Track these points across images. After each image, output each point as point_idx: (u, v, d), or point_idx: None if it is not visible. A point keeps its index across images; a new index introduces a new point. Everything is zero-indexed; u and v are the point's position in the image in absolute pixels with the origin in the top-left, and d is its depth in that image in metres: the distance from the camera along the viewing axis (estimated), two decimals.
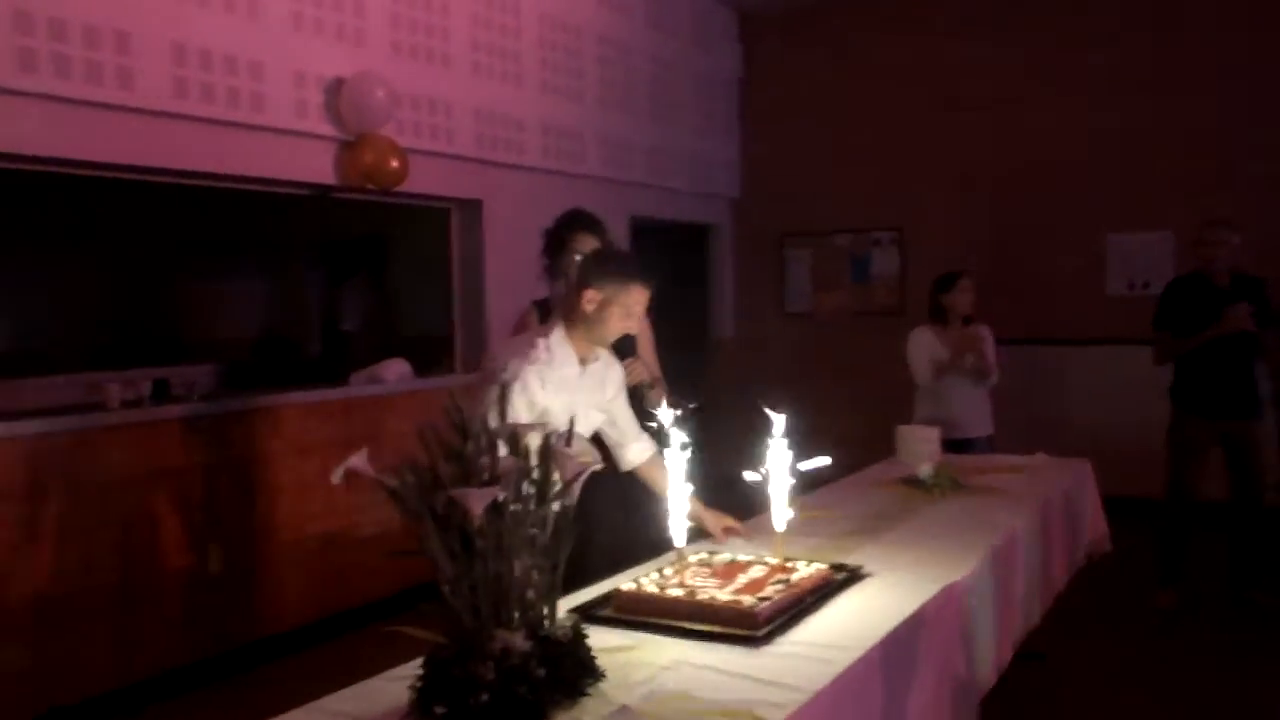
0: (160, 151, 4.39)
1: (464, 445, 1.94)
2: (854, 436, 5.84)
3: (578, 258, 3.33)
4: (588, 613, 2.38)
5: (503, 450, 1.98)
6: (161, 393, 5.03)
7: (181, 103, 4.38)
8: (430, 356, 6.13)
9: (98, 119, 4.13)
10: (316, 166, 5.07)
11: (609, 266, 2.95)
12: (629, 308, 2.92)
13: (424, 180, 5.55)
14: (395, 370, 5.48)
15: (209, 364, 7.42)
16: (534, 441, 2.00)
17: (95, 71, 4.06)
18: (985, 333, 5.24)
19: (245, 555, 4.68)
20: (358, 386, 5.24)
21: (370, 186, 5.14)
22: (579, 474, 2.01)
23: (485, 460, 1.92)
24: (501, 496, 1.87)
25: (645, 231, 7.75)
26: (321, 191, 5.22)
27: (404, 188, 5.34)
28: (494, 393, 2.82)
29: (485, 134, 6.00)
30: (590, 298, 2.90)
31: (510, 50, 6.19)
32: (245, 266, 8.64)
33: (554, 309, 3.38)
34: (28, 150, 3.97)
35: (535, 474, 1.96)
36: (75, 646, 4.06)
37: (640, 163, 7.48)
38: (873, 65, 8.23)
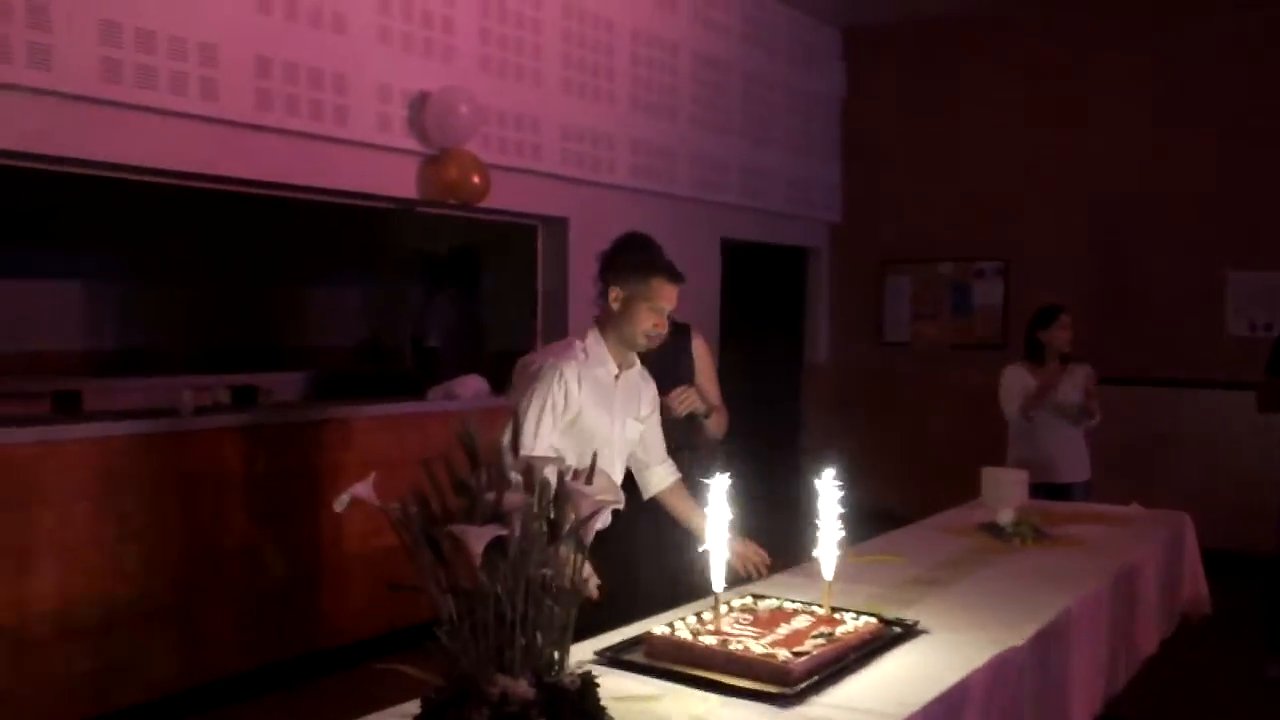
0: (243, 163, 4.44)
1: (470, 477, 1.83)
2: (944, 474, 5.58)
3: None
4: (615, 656, 2.26)
5: (517, 483, 1.87)
6: (247, 399, 5.10)
7: (265, 115, 4.41)
8: (510, 374, 6.08)
9: (181, 129, 4.18)
10: (400, 180, 5.07)
11: (629, 261, 2.94)
12: (655, 303, 2.89)
13: (509, 196, 5.51)
14: (472, 387, 5.45)
15: (302, 371, 7.57)
16: (550, 475, 1.89)
17: (180, 83, 4.11)
18: (1086, 372, 4.95)
19: (309, 566, 4.67)
20: (432, 402, 5.21)
21: (452, 201, 5.11)
22: (595, 512, 1.89)
23: (492, 495, 1.81)
24: (506, 534, 1.76)
25: (738, 254, 7.61)
26: (404, 206, 5.22)
27: (489, 204, 5.31)
28: (527, 397, 2.80)
29: (573, 151, 5.94)
30: (614, 295, 2.89)
31: (603, 67, 6.13)
32: (345, 277, 8.79)
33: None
34: (113, 159, 4.04)
35: (547, 511, 1.85)
36: (140, 648, 4.10)
37: (734, 183, 7.34)
38: (982, 87, 7.93)
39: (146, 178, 4.28)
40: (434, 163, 5.06)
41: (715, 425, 3.40)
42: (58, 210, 6.65)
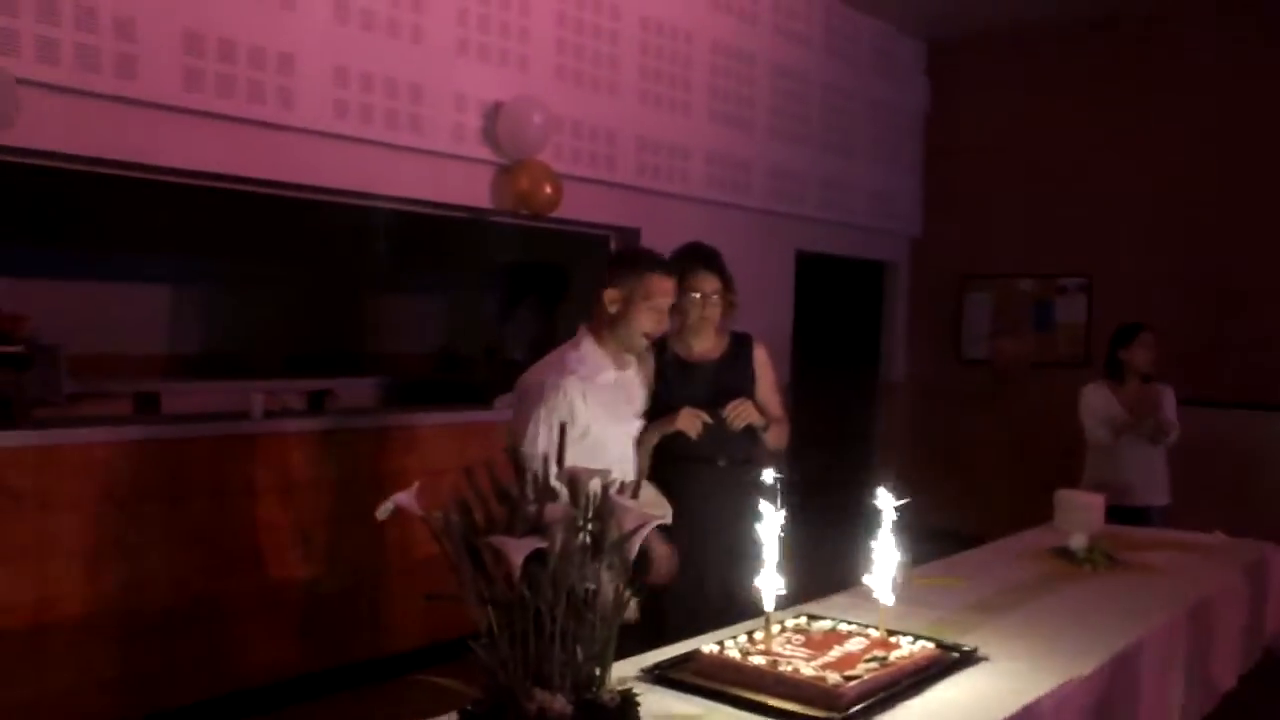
0: (319, 171, 4.50)
1: (513, 488, 1.82)
2: (1020, 496, 5.44)
3: (696, 295, 3.22)
4: (662, 674, 2.22)
5: (563, 496, 1.85)
6: (320, 404, 5.19)
7: (341, 123, 4.48)
8: None
9: (258, 137, 4.26)
10: (473, 190, 5.10)
11: (624, 263, 2.98)
12: (654, 301, 2.92)
13: (581, 207, 5.52)
14: None
15: (377, 378, 7.67)
16: (595, 488, 1.86)
17: (258, 92, 4.19)
18: (1166, 392, 4.79)
19: (366, 572, 4.70)
20: (498, 410, 5.22)
21: (524, 211, 5.13)
22: (640, 526, 1.86)
23: (534, 507, 1.79)
24: (546, 546, 1.74)
25: (814, 267, 7.52)
26: (477, 215, 5.26)
27: (561, 214, 5.32)
28: (533, 422, 2.80)
29: (648, 162, 5.93)
30: (611, 298, 2.91)
31: (680, 78, 6.11)
32: (425, 285, 8.89)
33: (671, 340, 3.31)
34: (192, 166, 4.13)
35: (590, 524, 1.82)
36: (203, 648, 4.17)
37: (811, 195, 7.26)
38: (1067, 100, 7.74)
39: (225, 184, 4.36)
40: (507, 172, 5.08)
41: (775, 438, 3.34)
42: (145, 215, 6.83)
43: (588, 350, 2.96)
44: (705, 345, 3.35)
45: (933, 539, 4.75)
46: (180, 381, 6.93)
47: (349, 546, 4.63)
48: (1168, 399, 4.79)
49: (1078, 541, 3.51)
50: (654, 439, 3.19)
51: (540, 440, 2.76)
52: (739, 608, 2.91)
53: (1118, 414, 4.77)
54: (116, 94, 3.83)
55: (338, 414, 4.80)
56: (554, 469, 2.68)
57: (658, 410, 3.23)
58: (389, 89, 4.64)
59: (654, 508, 1.91)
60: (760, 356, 3.40)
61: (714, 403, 3.15)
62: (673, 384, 3.29)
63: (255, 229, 7.14)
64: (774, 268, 7.05)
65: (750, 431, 3.23)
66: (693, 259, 3.28)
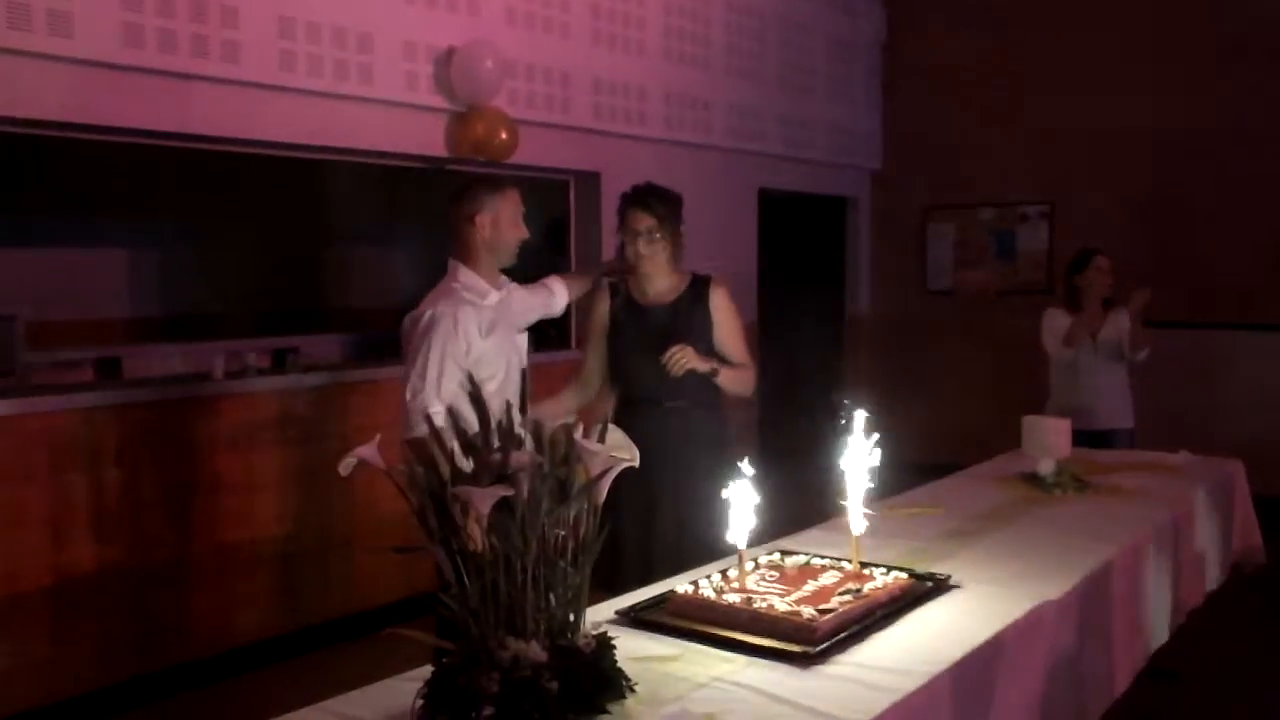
0: (266, 125, 4.40)
1: (478, 437, 1.79)
2: (989, 424, 5.47)
3: (632, 234, 3.22)
4: (637, 616, 2.22)
5: (528, 444, 1.82)
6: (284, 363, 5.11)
7: (289, 76, 4.37)
8: (545, 331, 6.04)
9: (203, 92, 4.15)
10: (428, 138, 5.01)
11: (480, 190, 3.09)
12: (515, 212, 3.09)
13: (539, 152, 5.45)
14: None
15: (345, 334, 7.59)
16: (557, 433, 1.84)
17: (201, 45, 4.08)
18: (1121, 313, 4.81)
19: (337, 528, 4.67)
20: None
21: (480, 158, 5.06)
22: (607, 470, 1.84)
23: (498, 455, 1.77)
24: (512, 494, 1.72)
25: (777, 204, 7.48)
26: (433, 164, 5.17)
27: (519, 159, 5.24)
28: (425, 354, 2.86)
29: (604, 104, 5.85)
30: (483, 222, 3.04)
31: (633, 16, 6.01)
32: (388, 237, 8.77)
33: (620, 287, 3.34)
34: (134, 125, 4.02)
35: (556, 470, 1.80)
36: (172, 611, 4.15)
37: (771, 133, 7.20)
38: (1025, 27, 7.69)
39: (173, 143, 4.26)
40: (461, 120, 5.00)
41: (738, 382, 3.28)
42: (98, 179, 6.69)
43: (466, 278, 3.06)
44: (660, 287, 3.30)
45: (904, 470, 4.77)
46: (143, 345, 6.82)
47: (317, 504, 4.60)
48: (1120, 317, 4.81)
49: (1046, 467, 3.53)
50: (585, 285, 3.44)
51: (431, 370, 2.87)
52: (690, 547, 2.94)
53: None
54: (51, 53, 3.70)
55: (301, 371, 4.72)
56: (442, 395, 2.81)
57: (612, 356, 3.29)
58: (337, 39, 4.53)
59: (621, 450, 1.88)
60: (719, 299, 3.31)
61: (663, 347, 3.12)
62: (624, 327, 3.28)
63: (212, 187, 7.00)
64: (737, 206, 7.01)
65: (702, 374, 3.17)
66: (627, 199, 3.28)
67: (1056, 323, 4.90)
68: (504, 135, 4.98)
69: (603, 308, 3.36)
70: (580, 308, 3.69)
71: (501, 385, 2.99)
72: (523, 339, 3.25)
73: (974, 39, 7.89)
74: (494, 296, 3.08)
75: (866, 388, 8.42)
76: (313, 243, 8.41)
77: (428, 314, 2.96)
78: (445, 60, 4.92)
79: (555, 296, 3.45)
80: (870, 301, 8.62)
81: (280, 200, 7.41)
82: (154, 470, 4.08)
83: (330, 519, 4.66)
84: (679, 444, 3.16)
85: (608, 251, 5.89)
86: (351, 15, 4.57)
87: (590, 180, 5.97)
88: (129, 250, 7.66)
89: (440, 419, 2.83)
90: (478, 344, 2.96)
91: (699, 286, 3.32)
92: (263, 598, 4.45)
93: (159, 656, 4.12)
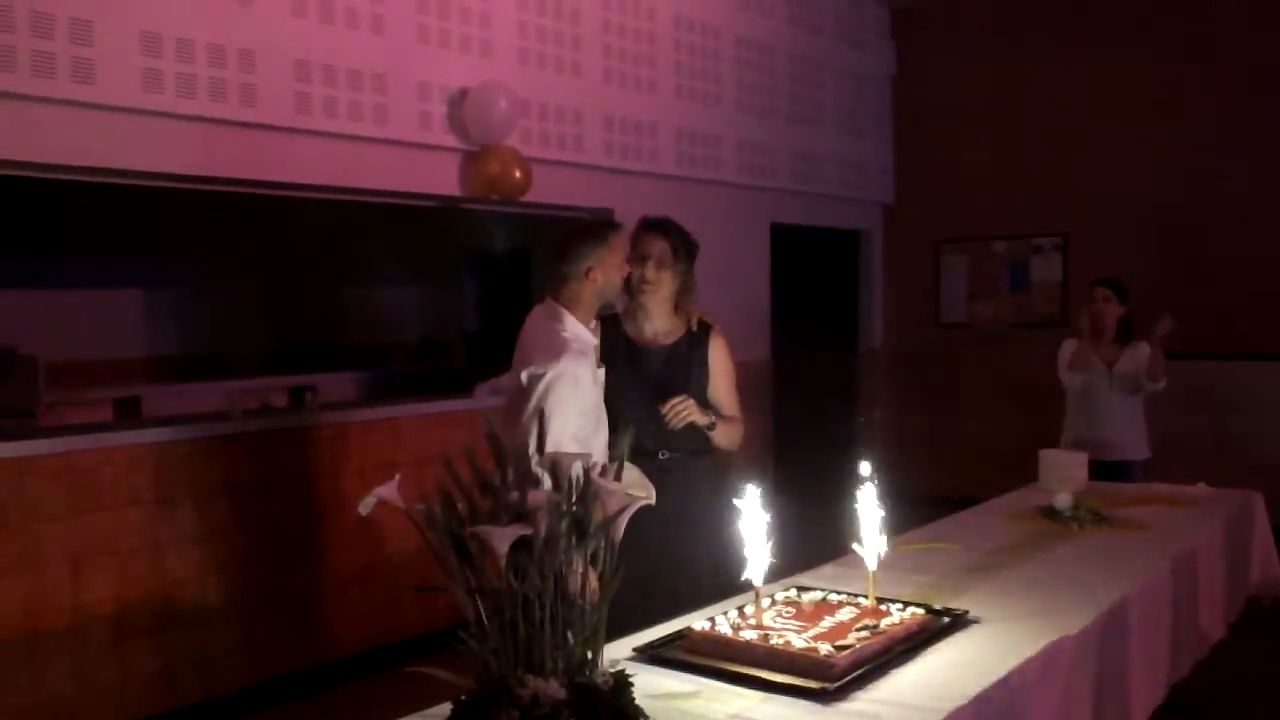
0: (284, 167, 4.45)
1: (495, 476, 1.81)
2: (1004, 458, 5.45)
3: (643, 260, 3.15)
4: (655, 653, 2.22)
5: (545, 482, 1.84)
6: (301, 400, 5.16)
7: (305, 118, 4.43)
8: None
9: (220, 136, 4.21)
10: (442, 178, 5.07)
11: (586, 242, 2.99)
12: (620, 257, 3.03)
13: (552, 190, 5.49)
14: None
15: (359, 371, 7.65)
16: (577, 472, 1.85)
17: (219, 89, 4.14)
18: (1140, 347, 4.78)
19: (354, 566, 4.69)
20: (479, 399, 5.21)
21: (495, 197, 5.10)
22: (625, 509, 1.85)
23: (516, 495, 1.78)
24: (530, 534, 1.73)
25: (789, 238, 7.51)
26: (447, 203, 5.22)
27: (532, 198, 5.29)
28: (559, 420, 2.74)
29: (616, 141, 5.90)
30: (596, 276, 2.97)
31: (644, 55, 6.08)
32: (401, 277, 8.85)
33: (623, 319, 3.25)
34: (154, 168, 4.08)
35: (574, 509, 1.81)
36: (190, 651, 4.17)
37: (782, 168, 7.24)
38: (1035, 58, 7.73)
39: (189, 185, 4.31)
40: (475, 159, 5.05)
41: (726, 437, 3.17)
42: (115, 221, 6.78)
43: (575, 328, 2.97)
44: (659, 328, 3.21)
45: (919, 504, 4.78)
46: (161, 385, 6.89)
47: (335, 541, 4.62)
48: (1139, 349, 4.79)
49: (1063, 500, 3.52)
50: None
51: (563, 427, 2.77)
52: (689, 596, 2.87)
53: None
54: (73, 99, 3.77)
55: (319, 410, 4.76)
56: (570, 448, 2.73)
57: (606, 394, 3.07)
58: (352, 81, 4.60)
59: (638, 489, 1.89)
60: (718, 349, 3.23)
61: (657, 393, 3.05)
62: (618, 367, 3.13)
63: (227, 228, 7.09)
64: (749, 241, 7.04)
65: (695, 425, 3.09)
66: (643, 224, 3.22)
67: (1069, 351, 4.91)
68: (518, 174, 5.03)
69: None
70: None
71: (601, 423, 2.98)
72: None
73: (984, 70, 7.94)
74: (592, 338, 3.05)
75: (881, 422, 8.42)
76: (328, 282, 8.49)
77: (549, 372, 2.82)
78: (459, 100, 4.99)
79: None
80: (883, 335, 8.62)
81: (295, 240, 7.50)
82: (174, 510, 4.11)
83: (349, 556, 4.67)
84: (680, 494, 3.00)
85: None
86: (366, 57, 4.64)
87: (603, 217, 6.01)
88: (146, 291, 7.75)
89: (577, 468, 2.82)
90: (590, 393, 2.91)
91: (699, 335, 3.22)
92: (283, 635, 4.46)
93: (180, 695, 4.13)
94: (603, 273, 2.98)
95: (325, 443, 4.59)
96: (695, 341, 3.20)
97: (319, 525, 4.56)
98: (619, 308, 3.28)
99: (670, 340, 3.20)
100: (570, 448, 2.75)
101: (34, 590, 3.75)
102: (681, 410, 3.02)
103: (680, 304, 3.22)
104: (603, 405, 2.98)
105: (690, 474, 3.14)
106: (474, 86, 5.00)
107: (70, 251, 6.94)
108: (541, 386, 2.82)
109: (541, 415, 2.73)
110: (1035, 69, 7.73)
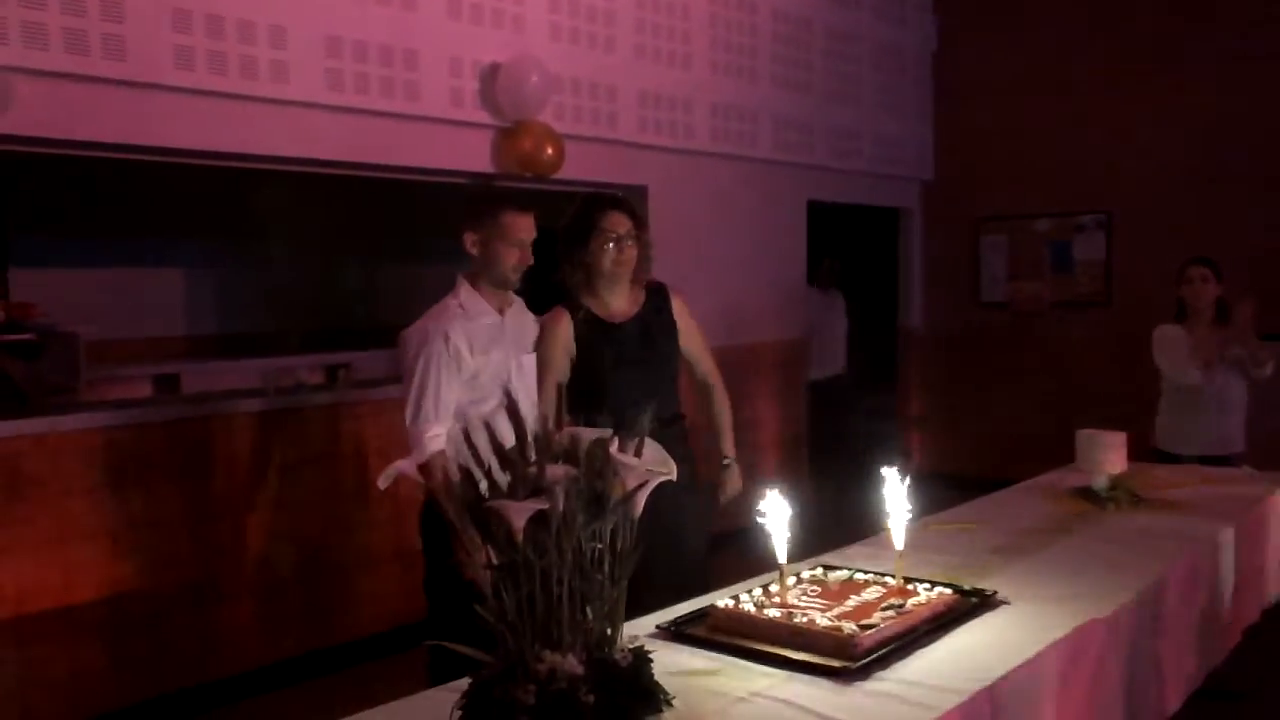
0: (315, 144, 4.46)
1: (515, 450, 1.79)
2: (1045, 437, 5.37)
3: (609, 238, 3.12)
4: (677, 629, 2.21)
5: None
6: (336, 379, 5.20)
7: (336, 95, 4.43)
8: None
9: (254, 112, 4.22)
10: (474, 155, 5.05)
11: (477, 206, 3.04)
12: (509, 237, 2.98)
13: (586, 166, 5.46)
14: None
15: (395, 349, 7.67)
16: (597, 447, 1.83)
17: (251, 66, 4.15)
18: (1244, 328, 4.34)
19: (387, 543, 4.70)
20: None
21: (527, 174, 5.08)
22: (644, 484, 1.83)
23: (533, 469, 1.77)
24: (547, 508, 1.72)
25: (827, 216, 7.44)
26: (479, 180, 5.21)
27: (565, 174, 5.26)
28: (424, 380, 2.87)
29: (650, 117, 5.86)
30: (470, 240, 3.00)
31: (678, 30, 6.02)
32: (440, 254, 8.86)
33: (586, 301, 3.19)
34: (188, 145, 4.10)
35: (594, 484, 1.79)
36: (213, 624, 4.21)
37: (820, 144, 7.16)
38: (1078, 33, 7.58)
39: (225, 163, 4.34)
40: (507, 135, 5.03)
41: (728, 418, 3.43)
42: (155, 200, 6.85)
43: (467, 296, 3.03)
44: (621, 301, 3.21)
45: (956, 484, 4.72)
46: (200, 362, 6.96)
47: (369, 518, 4.64)
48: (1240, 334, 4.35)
49: (1100, 481, 3.46)
50: None
51: (429, 388, 2.88)
52: (673, 569, 2.92)
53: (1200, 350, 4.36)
54: (105, 76, 3.79)
55: (350, 387, 4.78)
56: (440, 412, 2.86)
57: (585, 377, 3.10)
58: (383, 57, 4.59)
59: (659, 465, 1.87)
60: (679, 306, 3.27)
61: (647, 361, 3.13)
62: (597, 347, 3.13)
63: (264, 207, 7.14)
64: (785, 219, 6.97)
65: (674, 425, 3.18)
66: (602, 202, 3.19)
67: (1170, 340, 4.46)
68: (550, 150, 5.01)
69: (564, 330, 3.15)
70: None
71: (496, 409, 2.91)
72: (529, 361, 3.13)
73: (1026, 46, 7.79)
74: (491, 319, 3.03)
75: (919, 401, 8.34)
76: (364, 260, 8.53)
77: (418, 331, 2.96)
78: (491, 76, 4.96)
79: None
80: (922, 314, 8.52)
81: (330, 218, 7.53)
82: (207, 485, 4.15)
83: (384, 532, 4.69)
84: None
85: (658, 263, 5.90)
86: (397, 33, 4.63)
87: (637, 194, 5.97)
88: (186, 270, 7.83)
89: (440, 441, 2.89)
90: (469, 361, 2.93)
91: (658, 297, 3.25)
92: (313, 610, 4.49)
93: (213, 669, 4.18)
94: (479, 242, 3.00)
95: (357, 419, 4.61)
96: (657, 305, 3.26)
97: (350, 502, 4.58)
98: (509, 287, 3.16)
99: (636, 309, 3.23)
100: (449, 409, 2.89)
101: (70, 563, 3.80)
102: (735, 489, 3.33)
103: (639, 273, 3.24)
104: (498, 386, 2.95)
105: (665, 441, 3.11)
106: (506, 62, 4.97)
107: (110, 231, 7.02)
108: (411, 348, 2.95)
109: (418, 379, 2.91)
110: (1077, 42, 7.58)
